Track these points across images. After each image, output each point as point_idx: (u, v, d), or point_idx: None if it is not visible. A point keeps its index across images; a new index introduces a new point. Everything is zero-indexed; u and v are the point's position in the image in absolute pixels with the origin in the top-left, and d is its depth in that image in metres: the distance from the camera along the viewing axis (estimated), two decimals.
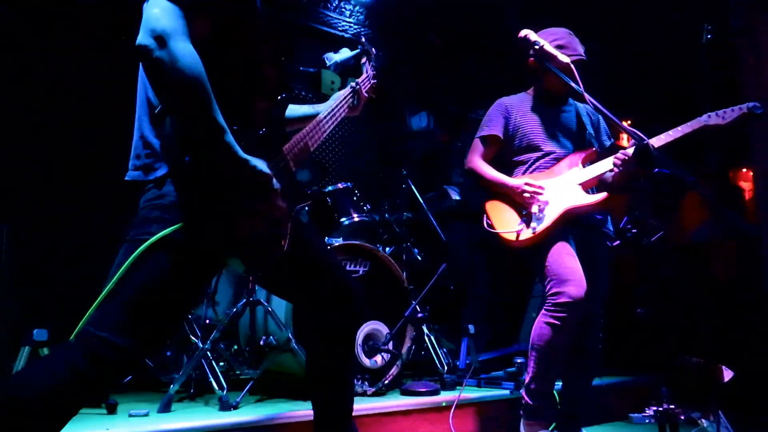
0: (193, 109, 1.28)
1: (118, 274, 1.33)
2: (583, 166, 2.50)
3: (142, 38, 1.27)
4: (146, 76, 1.41)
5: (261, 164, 1.38)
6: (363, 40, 2.23)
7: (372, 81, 2.10)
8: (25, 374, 1.35)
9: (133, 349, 1.32)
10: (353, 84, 2.03)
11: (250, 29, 1.53)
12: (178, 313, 1.51)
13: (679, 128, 2.31)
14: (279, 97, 1.64)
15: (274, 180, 1.41)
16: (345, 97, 1.97)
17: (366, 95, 2.05)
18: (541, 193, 2.42)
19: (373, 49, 2.22)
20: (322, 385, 1.75)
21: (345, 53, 2.26)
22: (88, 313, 1.32)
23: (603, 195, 2.41)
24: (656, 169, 2.16)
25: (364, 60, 2.19)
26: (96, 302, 1.33)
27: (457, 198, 4.01)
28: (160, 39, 1.25)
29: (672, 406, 2.13)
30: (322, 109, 1.90)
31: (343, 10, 5.69)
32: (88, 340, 1.29)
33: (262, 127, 1.55)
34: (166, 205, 1.38)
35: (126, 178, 1.47)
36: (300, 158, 1.67)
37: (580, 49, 2.57)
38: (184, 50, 1.27)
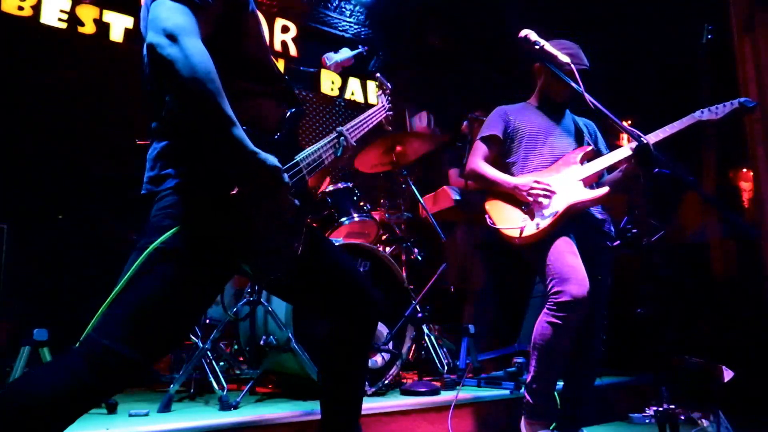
0: (204, 103, 1.26)
1: (122, 281, 1.31)
2: (582, 164, 2.51)
3: (153, 36, 1.26)
4: (157, 73, 1.41)
5: (271, 158, 1.35)
6: (378, 75, 2.29)
7: (388, 113, 2.15)
8: (26, 379, 1.33)
9: (136, 359, 1.30)
10: (379, 103, 2.14)
11: (248, 33, 1.53)
12: (185, 323, 1.47)
13: (674, 124, 2.33)
14: (291, 109, 1.62)
15: (285, 174, 1.37)
16: (372, 115, 1.99)
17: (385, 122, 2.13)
18: (551, 191, 2.43)
19: (389, 84, 2.28)
20: (335, 388, 1.74)
21: (345, 53, 2.26)
22: (93, 320, 1.30)
23: (605, 189, 2.41)
24: (656, 169, 2.16)
25: (379, 93, 2.25)
26: (101, 309, 1.31)
27: (457, 198, 4.00)
28: (172, 36, 1.25)
29: (672, 406, 2.12)
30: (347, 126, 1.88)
31: (343, 10, 5.69)
32: (92, 347, 1.28)
33: (274, 133, 1.54)
34: (177, 214, 1.36)
35: (141, 192, 1.46)
36: (313, 169, 1.64)
37: (586, 61, 2.60)
38: (196, 46, 1.27)
